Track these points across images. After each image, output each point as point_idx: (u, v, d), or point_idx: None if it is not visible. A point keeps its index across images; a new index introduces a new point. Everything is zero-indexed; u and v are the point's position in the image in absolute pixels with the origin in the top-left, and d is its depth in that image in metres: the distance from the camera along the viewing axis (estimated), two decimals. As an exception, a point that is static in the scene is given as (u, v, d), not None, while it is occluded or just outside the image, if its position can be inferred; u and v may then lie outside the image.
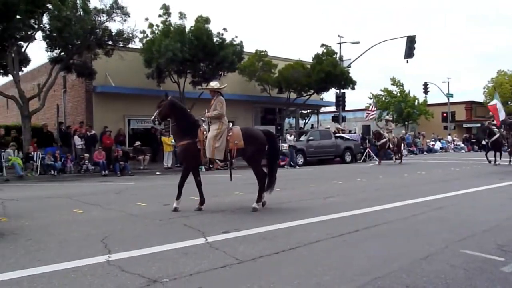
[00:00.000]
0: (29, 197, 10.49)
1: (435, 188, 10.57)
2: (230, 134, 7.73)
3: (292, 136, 21.31)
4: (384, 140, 20.78)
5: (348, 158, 23.57)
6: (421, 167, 18.33)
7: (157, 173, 18.06)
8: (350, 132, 28.09)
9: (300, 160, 21.72)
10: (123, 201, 9.05)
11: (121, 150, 18.41)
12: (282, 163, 20.72)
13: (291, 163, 20.59)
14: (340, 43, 28.93)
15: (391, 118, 25.19)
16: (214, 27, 20.86)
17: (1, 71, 19.21)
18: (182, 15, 20.32)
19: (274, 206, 8.14)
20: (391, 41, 27.43)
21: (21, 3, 15.69)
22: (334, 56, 26.59)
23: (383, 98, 42.14)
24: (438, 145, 33.43)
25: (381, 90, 42.58)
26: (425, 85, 39.35)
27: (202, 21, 20.19)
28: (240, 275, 4.12)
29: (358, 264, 4.41)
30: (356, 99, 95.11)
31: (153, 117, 8.10)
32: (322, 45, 26.40)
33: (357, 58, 28.28)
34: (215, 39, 20.55)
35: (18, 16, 16.27)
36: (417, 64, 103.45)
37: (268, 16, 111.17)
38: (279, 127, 24.48)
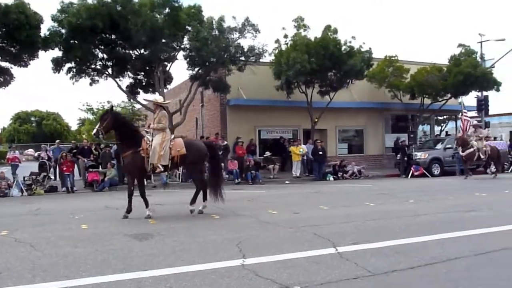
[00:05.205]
0: (173, 202, 11.55)
1: None
2: (172, 143, 8.52)
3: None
4: (472, 150, 17.67)
5: (493, 167, 21.20)
6: None
7: (286, 182, 18.44)
8: (495, 139, 25.30)
9: (436, 170, 20.28)
10: (255, 208, 9.42)
11: (252, 160, 19.25)
12: (416, 173, 19.63)
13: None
14: (481, 42, 26.38)
15: (479, 124, 20.86)
16: (342, 36, 20.65)
17: (150, 89, 21.69)
18: (306, 27, 20.60)
19: (408, 219, 7.73)
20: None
21: (165, 27, 17.62)
22: (474, 56, 24.35)
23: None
24: None
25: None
26: None
27: (330, 31, 20.18)
28: (373, 288, 4.00)
29: (510, 286, 3.96)
30: (502, 102, 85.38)
31: (94, 130, 8.77)
32: (460, 45, 24.38)
33: (502, 57, 25.53)
34: (343, 48, 20.37)
35: (163, 40, 18.28)
36: None
37: (398, 19, 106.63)
38: (411, 135, 23.17)
